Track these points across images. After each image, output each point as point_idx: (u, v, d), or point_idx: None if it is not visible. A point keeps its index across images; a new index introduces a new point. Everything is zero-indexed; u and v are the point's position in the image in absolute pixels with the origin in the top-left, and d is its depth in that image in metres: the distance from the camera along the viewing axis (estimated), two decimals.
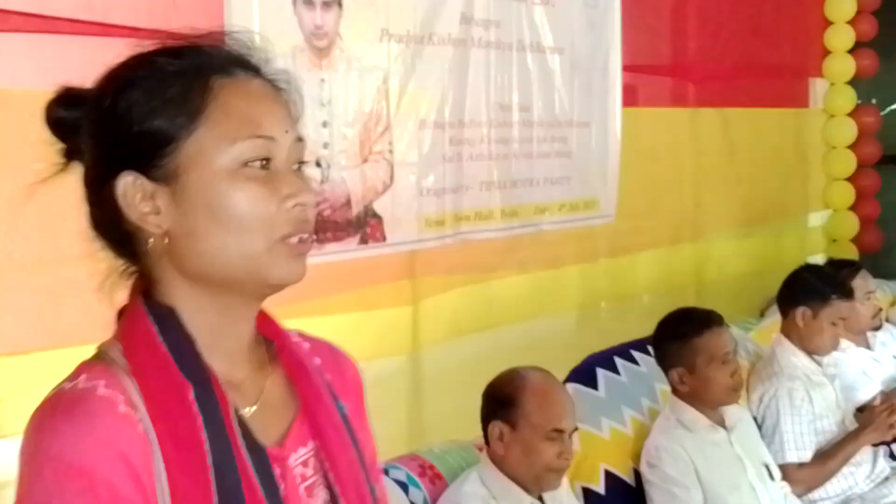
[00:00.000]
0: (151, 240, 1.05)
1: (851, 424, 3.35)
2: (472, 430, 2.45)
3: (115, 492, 0.97)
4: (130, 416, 1.00)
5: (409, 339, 3.23)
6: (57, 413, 1.00)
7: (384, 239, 3.02)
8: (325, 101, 2.83)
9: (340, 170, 2.88)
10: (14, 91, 2.07)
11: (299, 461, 1.12)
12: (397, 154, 3.05)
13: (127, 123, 1.03)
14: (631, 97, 4.09)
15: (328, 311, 2.86)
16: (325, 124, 2.83)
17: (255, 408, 1.11)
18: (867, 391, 3.61)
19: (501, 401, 2.38)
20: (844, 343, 3.58)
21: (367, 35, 2.94)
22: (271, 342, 1.18)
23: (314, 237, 1.09)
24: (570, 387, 3.01)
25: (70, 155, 1.09)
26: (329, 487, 1.14)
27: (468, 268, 3.47)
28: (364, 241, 2.96)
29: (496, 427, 2.35)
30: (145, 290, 1.09)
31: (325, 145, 2.84)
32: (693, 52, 4.57)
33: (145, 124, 1.03)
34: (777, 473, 3.00)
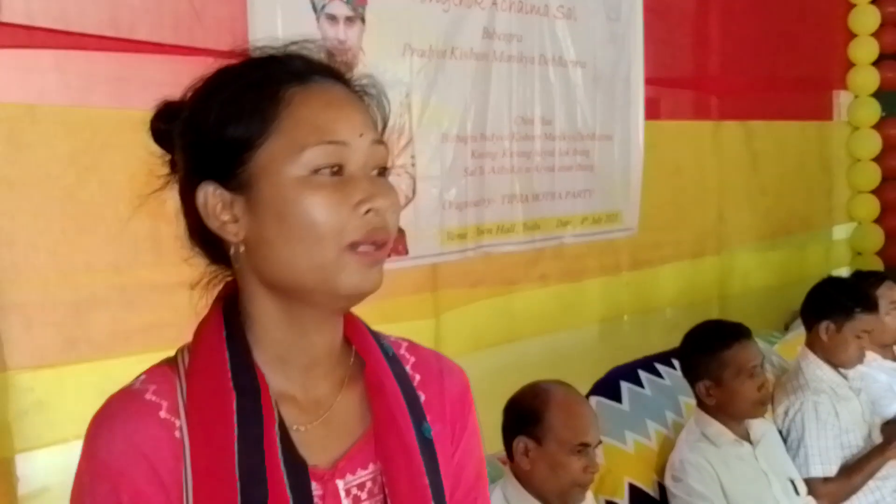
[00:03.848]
0: (233, 249, 1.07)
1: (878, 439, 3.31)
2: (495, 442, 2.45)
3: (138, 491, 1.01)
4: (169, 423, 1.04)
5: None
6: (108, 411, 1.05)
7: (406, 252, 3.02)
8: None
9: None
10: (41, 106, 2.08)
11: (354, 483, 1.09)
12: (420, 167, 3.05)
13: (204, 133, 1.05)
14: (653, 110, 4.08)
15: None
16: None
17: (314, 424, 1.10)
18: (894, 405, 3.58)
19: (526, 416, 2.37)
20: (871, 356, 3.55)
21: (389, 50, 2.95)
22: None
23: (391, 243, 1.06)
24: (594, 400, 3.01)
25: (173, 165, 1.11)
26: None
27: (490, 281, 3.46)
28: None
29: (521, 442, 2.34)
30: (230, 295, 1.11)
31: None
32: (716, 64, 4.55)
33: (221, 134, 1.04)
34: (802, 488, 2.98)
